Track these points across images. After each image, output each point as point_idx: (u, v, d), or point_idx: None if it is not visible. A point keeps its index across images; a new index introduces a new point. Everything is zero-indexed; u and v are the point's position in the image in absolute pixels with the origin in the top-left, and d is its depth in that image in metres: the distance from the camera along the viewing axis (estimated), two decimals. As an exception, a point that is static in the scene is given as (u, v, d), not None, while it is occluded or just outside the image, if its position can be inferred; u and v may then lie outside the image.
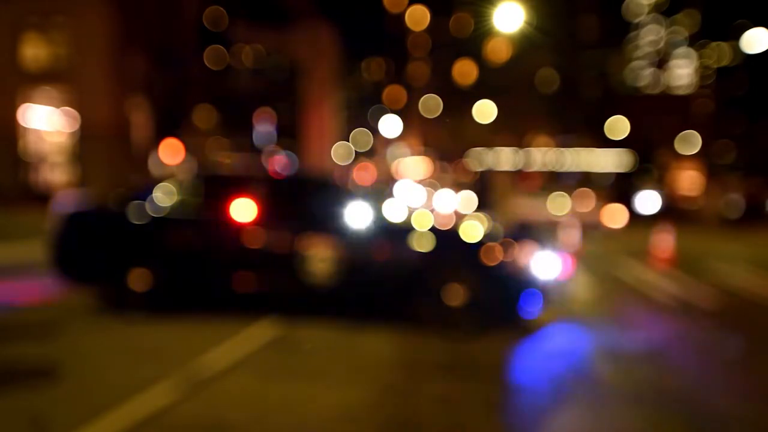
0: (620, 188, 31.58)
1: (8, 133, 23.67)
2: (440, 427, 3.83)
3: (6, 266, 8.99)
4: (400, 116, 49.00)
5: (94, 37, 23.69)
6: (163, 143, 25.92)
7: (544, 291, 5.99)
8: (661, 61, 42.90)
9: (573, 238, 12.24)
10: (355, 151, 52.05)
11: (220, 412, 3.86)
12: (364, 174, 38.75)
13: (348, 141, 52.12)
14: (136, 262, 6.11)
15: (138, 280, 6.08)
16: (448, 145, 46.17)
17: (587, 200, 20.73)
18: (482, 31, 34.27)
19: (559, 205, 20.44)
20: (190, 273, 6.18)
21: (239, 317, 6.02)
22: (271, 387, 4.35)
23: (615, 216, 20.45)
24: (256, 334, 5.61)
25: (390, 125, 48.35)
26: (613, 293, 8.65)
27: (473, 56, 43.42)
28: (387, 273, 5.97)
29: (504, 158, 44.79)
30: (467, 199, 25.35)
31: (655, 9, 43.35)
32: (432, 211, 11.76)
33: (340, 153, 49.42)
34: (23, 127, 24.05)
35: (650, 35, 43.84)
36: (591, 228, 18.23)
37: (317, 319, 6.10)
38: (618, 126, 39.64)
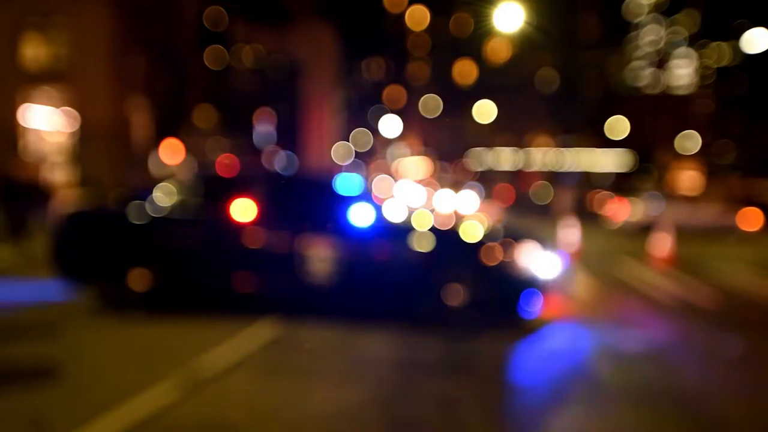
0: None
1: (8, 133, 23.64)
2: (440, 426, 3.83)
3: (6, 266, 8.99)
4: (400, 116, 49.04)
5: (94, 37, 23.67)
6: (163, 143, 25.91)
7: (544, 291, 5.99)
8: (661, 61, 42.91)
9: (573, 238, 12.24)
10: (355, 151, 52.05)
11: (220, 412, 3.86)
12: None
13: (348, 141, 52.12)
14: (136, 262, 6.11)
15: (138, 280, 6.08)
16: (448, 145, 46.22)
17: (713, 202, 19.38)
18: (482, 31, 34.30)
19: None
20: (190, 273, 6.18)
21: (239, 317, 6.02)
22: (271, 387, 4.35)
23: (751, 219, 18.40)
24: (256, 334, 5.61)
25: (390, 125, 48.38)
26: (613, 293, 8.65)
27: (473, 56, 43.50)
28: (387, 273, 5.97)
29: (504, 158, 44.82)
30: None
31: (655, 9, 43.36)
32: (432, 211, 11.76)
33: (340, 153, 49.43)
34: (23, 127, 24.03)
35: (650, 35, 43.86)
36: (725, 232, 17.31)
37: (317, 319, 6.10)
38: (618, 126, 39.69)
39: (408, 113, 50.00)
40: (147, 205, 6.30)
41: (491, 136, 43.39)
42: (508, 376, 4.97)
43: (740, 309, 7.86)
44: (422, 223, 6.22)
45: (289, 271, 5.95)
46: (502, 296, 5.90)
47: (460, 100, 43.88)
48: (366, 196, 6.34)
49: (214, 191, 6.45)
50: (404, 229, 6.09)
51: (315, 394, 4.24)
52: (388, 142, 50.93)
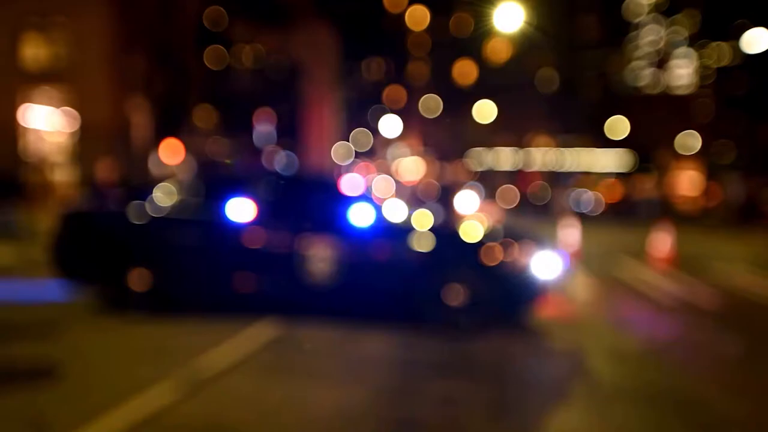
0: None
1: (8, 133, 23.65)
2: (440, 427, 3.83)
3: (6, 266, 8.99)
4: (400, 116, 49.01)
5: (94, 37, 23.67)
6: (163, 143, 25.91)
7: (544, 291, 5.99)
8: (661, 61, 42.83)
9: (573, 238, 12.24)
10: (355, 151, 52.03)
11: (220, 412, 3.86)
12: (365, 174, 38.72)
13: (348, 141, 52.10)
14: (136, 262, 6.11)
15: (138, 280, 6.08)
16: (448, 145, 46.22)
17: None
18: (482, 31, 34.29)
19: None
20: (190, 273, 6.18)
21: (239, 317, 6.02)
22: (271, 387, 4.35)
23: None
24: (256, 334, 5.61)
25: (390, 125, 48.35)
26: (613, 293, 8.65)
27: (473, 56, 43.49)
28: (387, 273, 5.97)
29: (504, 158, 44.83)
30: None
31: (655, 9, 43.31)
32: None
33: (340, 153, 49.41)
34: (23, 127, 24.03)
35: (650, 35, 43.79)
36: None
37: (317, 319, 6.10)
38: (618, 126, 39.65)
39: (408, 113, 49.97)
40: (147, 205, 6.30)
41: (491, 136, 43.38)
42: (508, 376, 4.97)
43: (740, 309, 7.86)
44: (422, 223, 6.22)
45: (289, 271, 5.95)
46: (502, 296, 5.89)
47: (460, 100, 43.87)
48: (366, 196, 6.34)
49: (213, 191, 6.45)
50: (404, 229, 6.09)
51: (315, 394, 4.24)
52: (388, 142, 50.89)
